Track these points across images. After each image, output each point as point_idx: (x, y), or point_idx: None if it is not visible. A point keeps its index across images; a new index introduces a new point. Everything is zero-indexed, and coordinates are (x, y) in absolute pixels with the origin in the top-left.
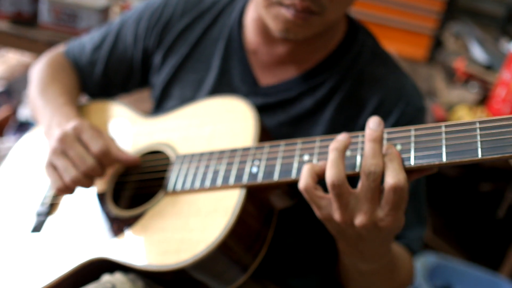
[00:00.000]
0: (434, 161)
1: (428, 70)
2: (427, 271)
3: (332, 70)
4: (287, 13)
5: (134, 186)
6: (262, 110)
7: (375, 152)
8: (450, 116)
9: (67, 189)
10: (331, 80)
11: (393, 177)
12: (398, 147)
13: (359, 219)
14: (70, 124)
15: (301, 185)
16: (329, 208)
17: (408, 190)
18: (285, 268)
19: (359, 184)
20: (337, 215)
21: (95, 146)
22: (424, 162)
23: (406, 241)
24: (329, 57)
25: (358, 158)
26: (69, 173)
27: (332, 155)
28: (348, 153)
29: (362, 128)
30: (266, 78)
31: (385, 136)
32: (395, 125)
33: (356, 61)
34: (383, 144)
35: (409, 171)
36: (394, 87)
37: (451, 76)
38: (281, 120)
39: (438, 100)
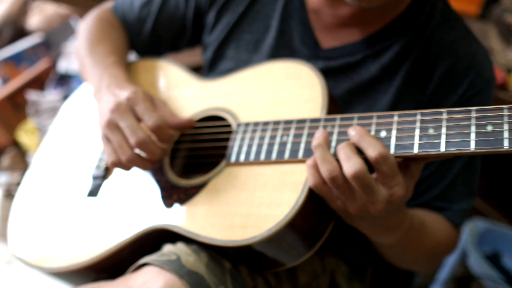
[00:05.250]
0: (497, 148)
1: (481, 27)
2: (476, 237)
3: (400, 34)
4: None
5: (187, 154)
6: (323, 74)
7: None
8: (509, 79)
9: (122, 166)
10: (398, 44)
11: (372, 150)
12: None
13: (372, 208)
14: (124, 94)
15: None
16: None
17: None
18: (342, 239)
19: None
20: (350, 209)
21: (150, 120)
22: (482, 148)
23: (450, 213)
24: (397, 19)
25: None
26: (124, 152)
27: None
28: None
29: (429, 98)
30: (328, 40)
31: (444, 116)
32: (461, 96)
33: (425, 25)
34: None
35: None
36: (465, 53)
37: (507, 34)
38: (344, 86)
39: (495, 60)
